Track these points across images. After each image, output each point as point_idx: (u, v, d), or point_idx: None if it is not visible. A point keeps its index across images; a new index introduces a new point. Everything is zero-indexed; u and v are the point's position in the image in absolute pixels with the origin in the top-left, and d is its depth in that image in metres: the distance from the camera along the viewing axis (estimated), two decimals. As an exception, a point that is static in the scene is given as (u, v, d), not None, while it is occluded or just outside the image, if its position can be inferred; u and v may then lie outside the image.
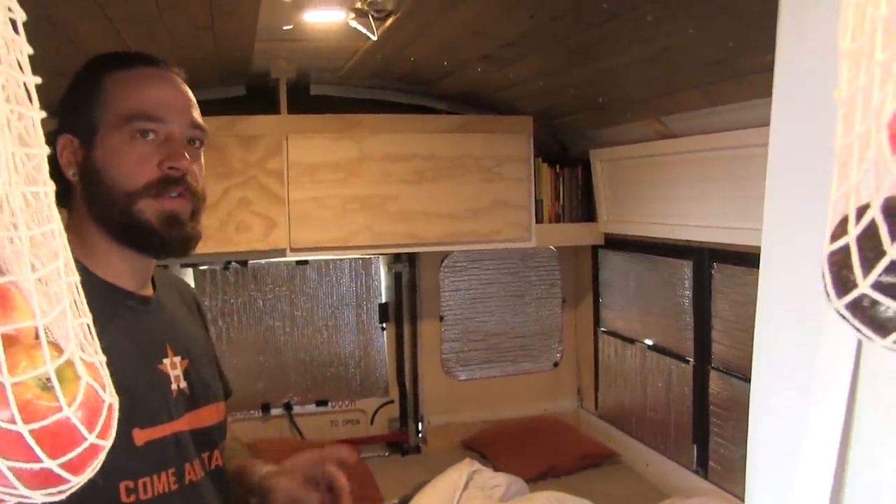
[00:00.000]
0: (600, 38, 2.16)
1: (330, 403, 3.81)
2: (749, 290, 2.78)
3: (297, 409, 3.75)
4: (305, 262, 3.71)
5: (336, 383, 3.83)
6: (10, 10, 0.54)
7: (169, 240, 1.12)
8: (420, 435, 3.91)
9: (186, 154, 1.13)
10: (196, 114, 1.17)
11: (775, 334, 1.03)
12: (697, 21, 1.87)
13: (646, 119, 2.80)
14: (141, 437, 1.08)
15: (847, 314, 0.51)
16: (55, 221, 0.58)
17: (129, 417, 1.06)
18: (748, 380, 2.77)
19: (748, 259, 2.65)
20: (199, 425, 1.19)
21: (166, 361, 1.16)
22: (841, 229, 0.51)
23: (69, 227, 1.14)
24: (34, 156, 0.58)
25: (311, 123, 3.08)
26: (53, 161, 1.14)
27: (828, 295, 0.52)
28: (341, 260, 3.77)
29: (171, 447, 1.12)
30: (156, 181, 1.10)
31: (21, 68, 0.56)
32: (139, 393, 1.10)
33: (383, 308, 3.88)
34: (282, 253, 3.08)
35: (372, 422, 3.87)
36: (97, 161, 1.11)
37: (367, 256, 3.79)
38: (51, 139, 1.14)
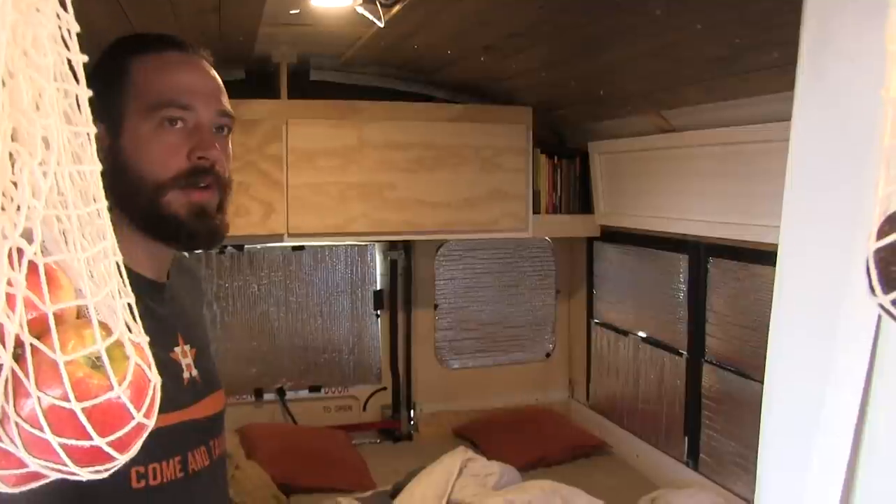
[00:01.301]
0: (607, 32, 2.17)
1: (323, 389, 3.81)
2: (744, 285, 2.81)
3: (289, 395, 3.75)
4: (301, 248, 3.70)
5: (329, 369, 3.83)
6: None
7: (196, 232, 1.10)
8: (412, 422, 3.92)
9: (215, 143, 1.11)
10: (225, 100, 1.15)
11: (791, 328, 1.04)
12: (706, 17, 1.88)
13: (646, 113, 2.80)
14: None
15: (893, 310, 0.52)
16: (101, 201, 0.58)
17: None
18: (741, 373, 2.82)
19: (744, 254, 2.68)
20: (204, 414, 1.19)
21: (177, 350, 1.16)
22: (889, 226, 0.51)
23: None
24: (80, 134, 0.58)
25: (310, 109, 3.07)
26: None
27: (872, 290, 0.52)
28: (337, 247, 3.77)
29: (178, 435, 1.11)
30: (185, 172, 1.08)
31: (68, 46, 0.56)
32: None
33: (378, 295, 3.88)
34: (279, 238, 3.08)
35: (364, 408, 3.87)
36: (124, 150, 1.08)
37: (363, 243, 3.79)
38: None
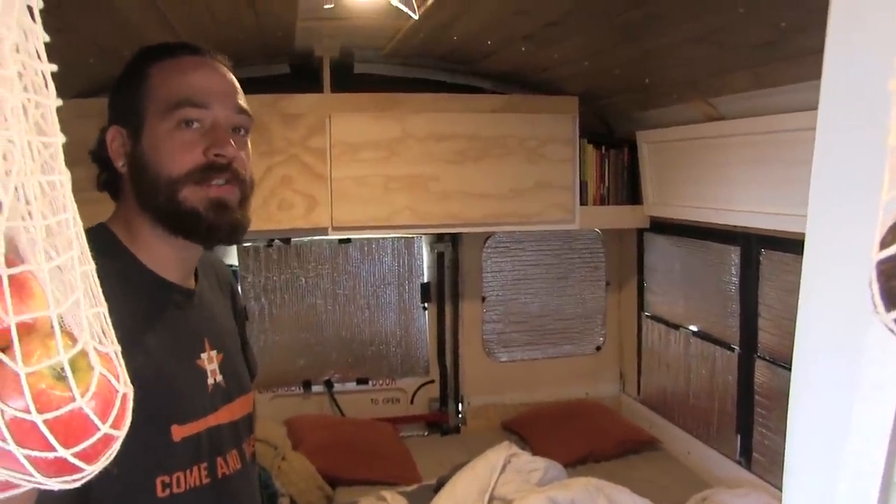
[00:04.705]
0: (647, 17, 2.11)
1: (370, 382, 3.83)
2: (798, 279, 2.71)
3: (337, 387, 3.78)
4: (348, 241, 3.72)
5: (377, 362, 3.84)
6: (27, -4, 0.53)
7: (216, 226, 1.11)
8: (460, 415, 3.91)
9: (232, 141, 1.12)
10: (241, 99, 1.16)
11: (818, 328, 1.00)
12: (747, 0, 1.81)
13: (693, 101, 2.73)
14: (178, 432, 1.09)
15: (896, 328, 0.47)
16: (70, 210, 0.57)
17: (169, 414, 1.07)
18: (795, 370, 2.72)
19: (797, 246, 2.58)
20: (230, 419, 1.20)
21: (203, 356, 1.18)
22: (892, 235, 0.47)
23: (118, 218, 1.16)
24: (50, 144, 0.57)
25: (353, 102, 3.07)
26: (105, 155, 1.15)
27: (875, 306, 0.48)
28: (384, 239, 3.77)
29: (204, 442, 1.13)
30: (200, 168, 1.10)
31: (39, 56, 0.56)
32: (179, 389, 1.12)
33: (425, 288, 3.88)
34: (323, 231, 3.08)
35: (412, 401, 3.88)
36: (144, 150, 1.11)
37: (410, 236, 3.78)
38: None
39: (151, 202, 1.11)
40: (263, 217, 2.88)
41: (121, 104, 1.15)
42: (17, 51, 0.53)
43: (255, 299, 3.60)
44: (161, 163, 1.10)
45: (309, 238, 3.59)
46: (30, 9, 0.54)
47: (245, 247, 3.57)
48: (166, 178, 1.09)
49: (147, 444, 1.04)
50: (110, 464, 0.57)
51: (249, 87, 1.21)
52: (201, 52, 1.17)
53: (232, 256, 3.54)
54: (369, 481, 3.10)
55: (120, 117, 1.14)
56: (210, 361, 1.18)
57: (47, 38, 0.55)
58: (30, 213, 0.54)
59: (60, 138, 0.57)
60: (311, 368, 3.74)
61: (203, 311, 1.22)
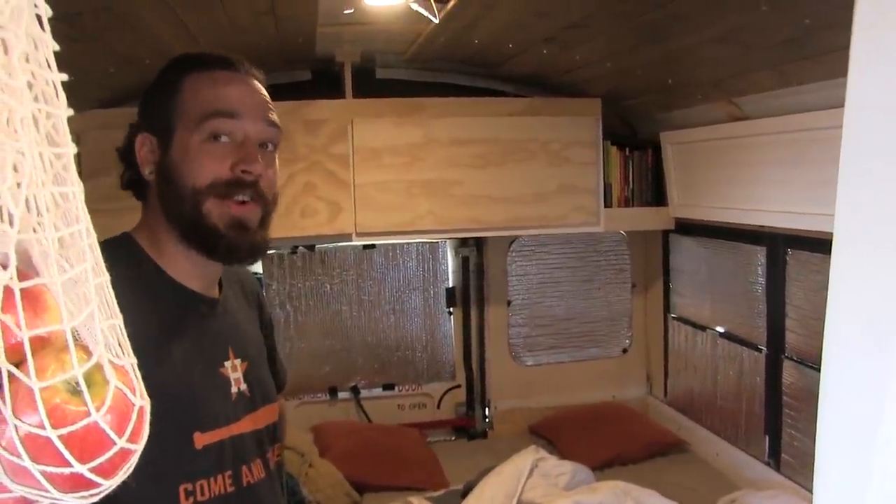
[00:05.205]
0: (669, 17, 2.08)
1: (397, 387, 3.82)
2: (825, 278, 2.67)
3: (364, 393, 3.77)
4: (372, 247, 3.72)
5: (403, 367, 3.84)
6: (35, 5, 0.53)
7: (236, 246, 1.12)
8: (487, 420, 3.89)
9: (260, 158, 1.12)
10: (272, 114, 1.16)
11: (848, 327, 0.97)
12: (770, -3, 1.79)
13: (717, 101, 2.69)
14: (201, 440, 1.09)
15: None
16: (84, 222, 0.57)
17: (192, 421, 1.07)
18: (825, 371, 2.68)
19: (824, 246, 2.54)
20: (254, 427, 1.20)
21: (227, 364, 1.18)
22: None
23: (142, 227, 1.16)
24: (62, 155, 0.57)
25: (375, 107, 3.06)
26: (132, 158, 1.15)
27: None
28: (408, 244, 3.77)
29: (228, 450, 1.13)
30: (224, 181, 1.10)
31: (49, 66, 0.55)
32: (202, 397, 1.12)
33: (450, 292, 3.86)
34: (347, 237, 3.08)
35: (438, 406, 3.86)
36: (172, 160, 1.11)
37: (434, 241, 3.77)
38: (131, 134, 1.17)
39: (176, 212, 1.12)
40: (287, 224, 2.89)
41: (152, 112, 1.16)
42: (27, 60, 0.53)
43: (279, 306, 3.61)
44: (188, 173, 1.10)
45: (333, 244, 3.59)
46: (39, 18, 0.54)
47: (269, 254, 3.58)
48: (191, 189, 1.10)
49: (169, 452, 1.05)
50: (129, 476, 0.57)
51: (271, 93, 1.21)
52: (235, 66, 1.17)
53: (256, 264, 3.55)
54: (396, 487, 3.10)
55: (150, 125, 1.15)
56: (234, 370, 1.18)
57: (57, 47, 0.55)
58: (42, 225, 0.53)
59: (72, 149, 0.57)
60: (336, 375, 3.74)
61: (227, 320, 1.22)
